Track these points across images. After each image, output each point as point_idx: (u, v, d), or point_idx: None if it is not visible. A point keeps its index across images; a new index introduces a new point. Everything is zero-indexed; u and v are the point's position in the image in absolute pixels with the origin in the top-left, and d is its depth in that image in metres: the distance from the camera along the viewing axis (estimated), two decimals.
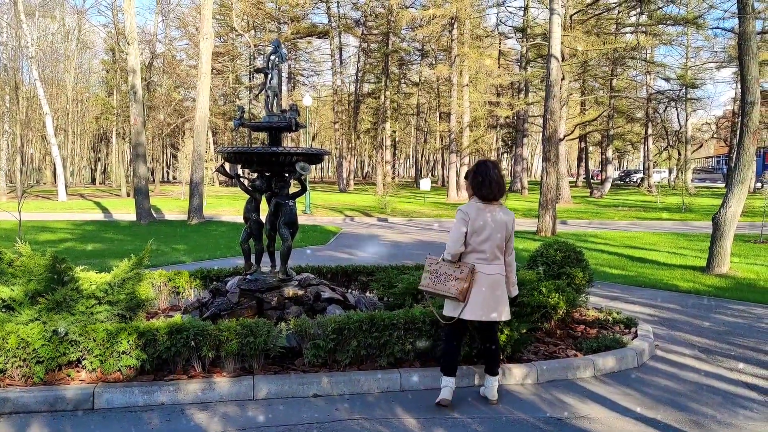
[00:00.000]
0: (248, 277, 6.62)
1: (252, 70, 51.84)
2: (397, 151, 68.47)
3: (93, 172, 64.19)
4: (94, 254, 12.84)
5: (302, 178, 6.56)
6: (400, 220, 24.52)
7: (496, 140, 56.47)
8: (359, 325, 5.36)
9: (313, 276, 6.95)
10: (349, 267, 8.36)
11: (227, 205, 29.71)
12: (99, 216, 24.75)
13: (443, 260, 4.84)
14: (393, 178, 40.51)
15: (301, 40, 51.92)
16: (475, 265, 4.75)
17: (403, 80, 54.35)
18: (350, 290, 8.18)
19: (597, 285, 9.73)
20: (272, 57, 6.58)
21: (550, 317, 6.43)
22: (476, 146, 39.74)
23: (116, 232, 17.80)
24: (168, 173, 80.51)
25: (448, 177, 39.13)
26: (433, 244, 15.50)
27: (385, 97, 44.17)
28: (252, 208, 6.63)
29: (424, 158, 79.22)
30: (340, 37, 49.93)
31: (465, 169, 36.67)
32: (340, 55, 50.74)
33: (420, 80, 53.30)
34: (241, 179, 6.63)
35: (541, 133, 42.88)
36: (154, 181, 53.68)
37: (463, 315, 4.77)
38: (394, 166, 51.58)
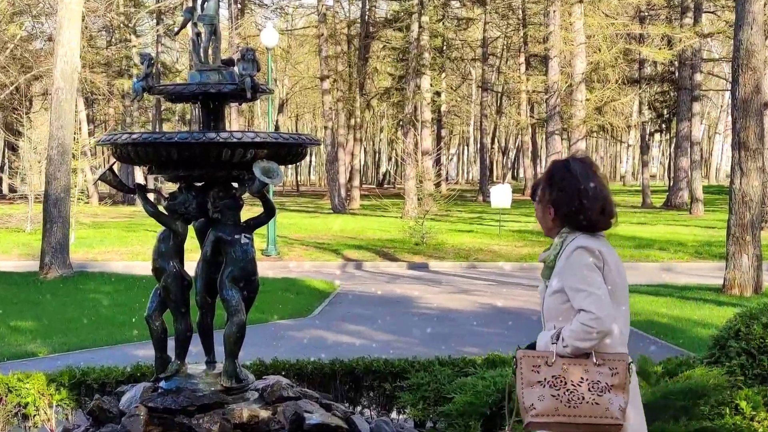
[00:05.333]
0: (162, 384, 6.63)
1: None
2: (444, 132, 68.79)
3: None
4: None
5: (265, 189, 6.63)
6: (451, 267, 24.48)
7: (639, 108, 56.52)
8: None
9: (286, 381, 6.95)
10: (357, 362, 8.38)
11: (116, 242, 29.94)
12: None
13: (567, 353, 4.80)
14: (438, 183, 40.35)
15: None
16: (628, 356, 4.79)
17: None
18: (359, 407, 8.12)
19: None
20: None
21: None
22: (600, 119, 39.77)
23: None
24: None
25: None
26: (520, 315, 15.45)
27: (419, 26, 44.49)
28: (169, 248, 6.67)
29: (496, 145, 79.52)
30: None
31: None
32: None
33: None
34: (147, 193, 6.68)
35: (728, 94, 42.88)
36: None
37: None
38: (438, 160, 51.36)
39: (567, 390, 4.72)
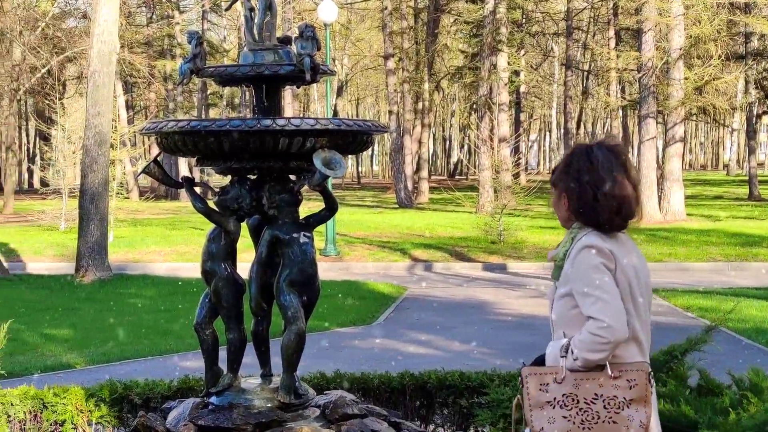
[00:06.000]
0: (213, 400, 6.68)
1: None
2: (523, 116, 68.49)
3: None
4: None
5: (326, 183, 6.63)
6: (531, 268, 24.38)
7: (745, 88, 55.78)
8: None
9: (350, 396, 6.96)
10: (429, 375, 8.37)
11: (159, 241, 30.24)
12: None
13: (578, 366, 4.77)
14: (516, 174, 40.06)
15: None
16: (648, 365, 4.79)
17: None
18: (432, 426, 8.11)
19: None
20: None
21: None
22: (700, 101, 39.33)
23: None
24: (30, 174, 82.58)
25: (638, 168, 38.66)
26: None
27: None
28: (220, 249, 6.70)
29: (582, 130, 78.95)
30: None
31: (677, 150, 36.33)
32: None
33: None
34: (195, 187, 6.72)
35: None
36: (1, 190, 55.16)
37: None
38: (517, 148, 51.04)
39: (580, 409, 4.72)
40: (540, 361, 4.97)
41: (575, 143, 5.15)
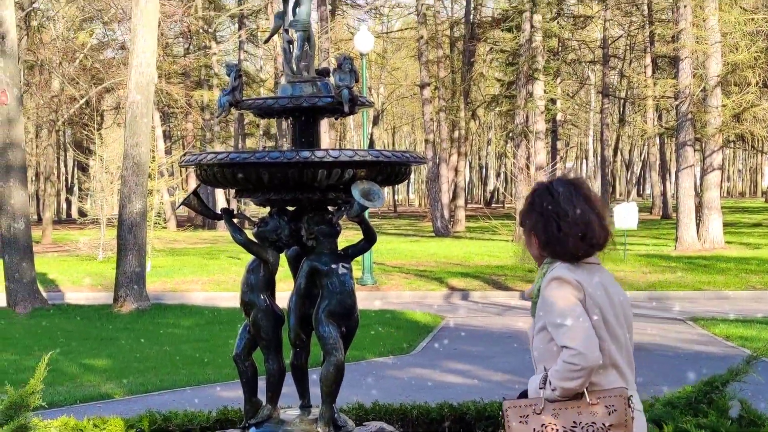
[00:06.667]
0: (253, 431, 6.69)
1: None
2: (560, 144, 68.42)
3: None
4: None
5: (364, 213, 6.64)
6: None
7: None
8: None
9: (390, 428, 6.96)
10: (468, 405, 8.33)
11: (196, 271, 30.35)
12: None
13: (557, 396, 4.79)
14: None
15: None
16: (627, 390, 4.80)
17: None
18: None
19: None
20: None
21: None
22: (738, 128, 39.13)
23: None
24: (68, 204, 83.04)
25: (676, 197, 38.53)
26: (650, 352, 15.23)
27: (531, 26, 44.45)
28: (259, 280, 6.73)
29: (619, 158, 78.72)
30: None
31: (715, 177, 36.14)
32: None
33: None
34: (234, 219, 6.75)
35: None
36: (40, 220, 55.55)
37: None
38: (554, 175, 50.82)
39: None
40: (523, 396, 5.03)
41: (536, 183, 5.21)
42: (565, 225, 4.88)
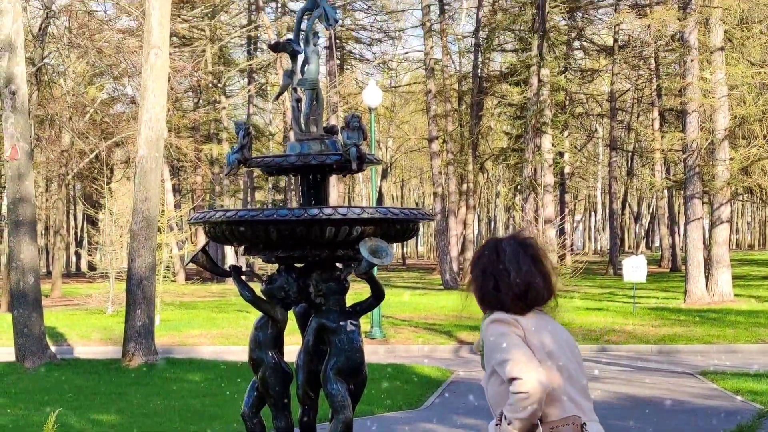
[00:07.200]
0: None
1: (268, 44, 53.65)
2: (568, 197, 68.44)
3: None
4: None
5: (372, 269, 6.65)
6: (582, 349, 24.17)
7: None
8: None
9: None
10: None
11: (205, 324, 30.28)
12: None
13: (510, 430, 4.82)
14: (562, 255, 40.01)
15: None
16: (580, 417, 4.83)
17: (576, 41, 54.88)
18: None
19: None
20: (306, 17, 6.81)
21: None
22: (746, 181, 39.14)
23: None
24: (78, 257, 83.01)
25: (685, 249, 38.44)
26: (660, 406, 15.17)
27: (539, 80, 44.64)
28: (267, 337, 6.75)
29: (627, 210, 78.74)
30: None
31: (723, 230, 36.10)
32: None
33: (615, 41, 53.63)
34: (242, 275, 6.78)
35: None
36: (49, 273, 55.53)
37: None
38: (562, 229, 50.99)
39: None
40: None
41: (487, 239, 5.28)
42: (503, 285, 4.96)
